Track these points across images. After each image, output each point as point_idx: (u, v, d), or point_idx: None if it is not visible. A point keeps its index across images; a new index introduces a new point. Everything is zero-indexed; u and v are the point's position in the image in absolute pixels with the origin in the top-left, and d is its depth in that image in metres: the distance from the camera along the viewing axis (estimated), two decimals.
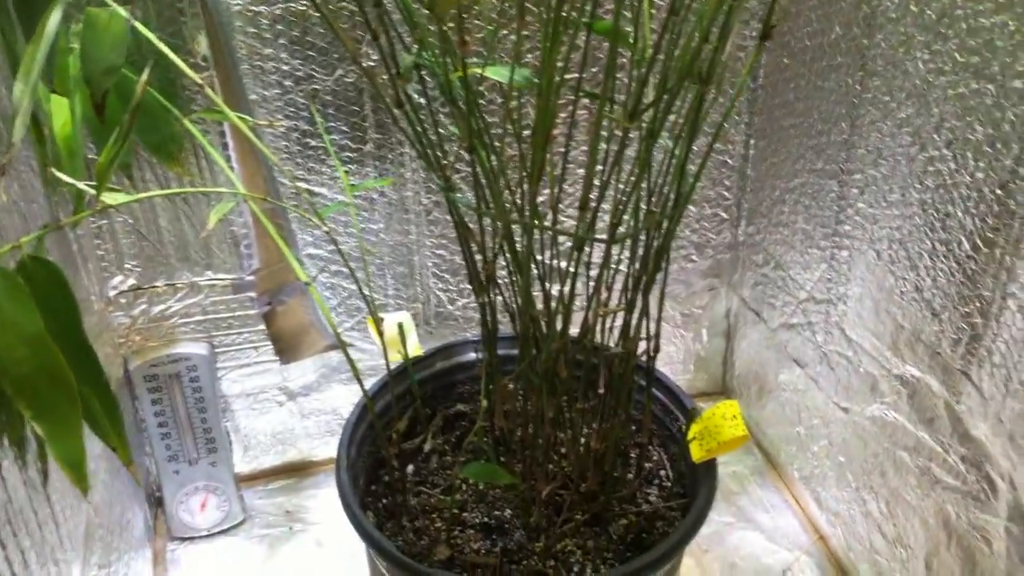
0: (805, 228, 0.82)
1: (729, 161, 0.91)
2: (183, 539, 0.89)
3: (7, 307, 0.41)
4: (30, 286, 0.42)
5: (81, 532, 0.57)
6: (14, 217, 0.53)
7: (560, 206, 0.86)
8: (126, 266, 0.78)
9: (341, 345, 0.61)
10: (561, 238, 0.61)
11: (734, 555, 0.87)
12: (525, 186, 0.55)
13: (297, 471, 0.97)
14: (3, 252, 0.42)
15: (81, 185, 0.48)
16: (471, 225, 0.61)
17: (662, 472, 0.71)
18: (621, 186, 0.54)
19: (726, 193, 0.93)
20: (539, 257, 0.59)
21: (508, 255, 0.58)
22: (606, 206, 0.54)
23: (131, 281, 0.79)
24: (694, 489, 0.65)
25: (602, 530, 0.66)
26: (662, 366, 0.69)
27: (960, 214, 0.61)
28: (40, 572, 0.46)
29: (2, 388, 0.42)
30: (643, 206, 0.57)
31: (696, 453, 0.64)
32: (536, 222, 0.54)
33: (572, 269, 0.54)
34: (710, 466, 0.64)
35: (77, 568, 0.55)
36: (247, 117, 0.64)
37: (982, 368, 0.62)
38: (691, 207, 0.93)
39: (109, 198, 0.47)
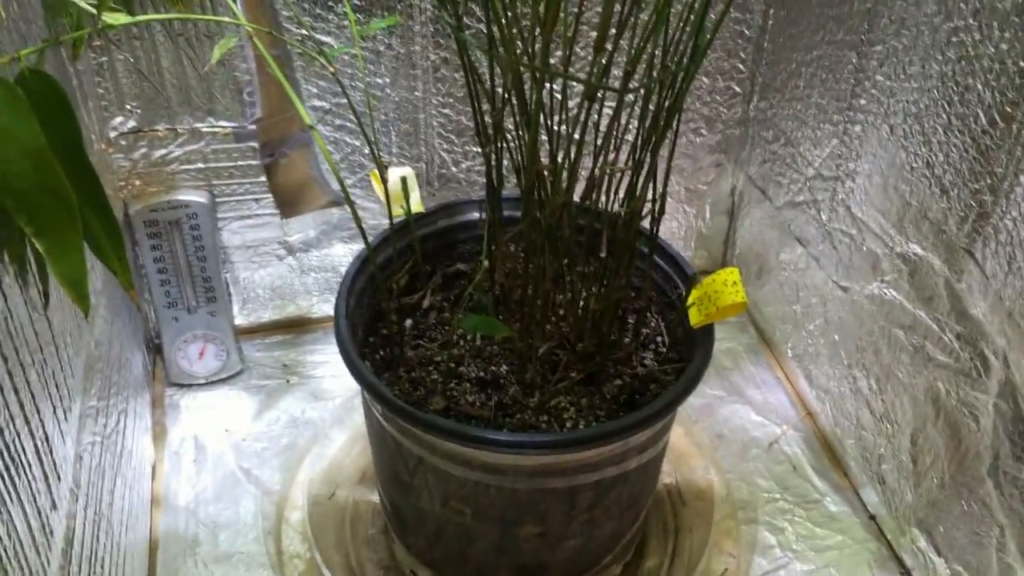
0: (819, 102, 0.80)
1: (746, 32, 0.88)
2: (181, 386, 0.90)
3: (7, 118, 0.40)
4: (30, 100, 0.41)
5: (82, 361, 0.57)
6: (13, 36, 0.52)
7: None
8: (127, 107, 0.77)
9: (345, 195, 0.61)
10: (571, 102, 0.59)
11: (723, 427, 0.89)
12: (538, 33, 0.53)
13: (295, 327, 0.98)
14: (1, 62, 0.41)
15: (82, 3, 0.46)
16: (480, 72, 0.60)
17: (658, 338, 0.72)
18: (636, 40, 0.52)
19: (740, 66, 0.90)
20: (547, 118, 0.58)
21: (516, 106, 0.56)
22: (620, 58, 0.53)
23: (132, 123, 0.78)
24: (690, 354, 0.65)
25: (596, 389, 0.67)
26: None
27: (980, 87, 0.60)
28: (42, 392, 0.47)
29: (2, 203, 0.41)
30: (657, 61, 0.55)
31: (695, 318, 0.64)
32: (547, 68, 0.52)
33: (582, 118, 0.53)
34: (707, 332, 0.65)
35: (78, 395, 0.55)
36: None
37: (987, 246, 0.61)
38: (704, 79, 0.91)
39: (110, 18, 0.46)
